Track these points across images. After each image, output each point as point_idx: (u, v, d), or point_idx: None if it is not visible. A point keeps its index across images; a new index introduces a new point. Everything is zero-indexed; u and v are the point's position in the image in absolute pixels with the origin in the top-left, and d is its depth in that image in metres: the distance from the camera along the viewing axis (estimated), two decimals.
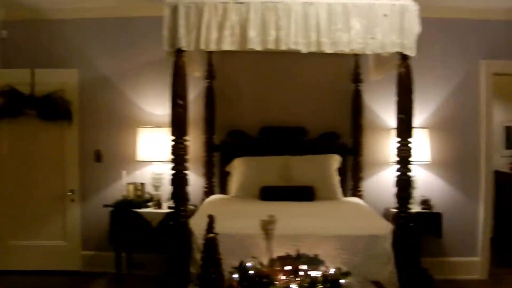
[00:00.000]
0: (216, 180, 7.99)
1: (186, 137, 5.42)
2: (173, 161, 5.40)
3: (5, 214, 8.06)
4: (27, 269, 7.98)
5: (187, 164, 5.45)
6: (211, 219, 5.02)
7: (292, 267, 4.76)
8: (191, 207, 6.71)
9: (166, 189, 7.24)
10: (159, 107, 7.89)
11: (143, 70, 8.03)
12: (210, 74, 7.91)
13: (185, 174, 5.42)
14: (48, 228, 8.08)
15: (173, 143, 5.40)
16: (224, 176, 7.86)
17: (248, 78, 8.05)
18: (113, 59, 8.07)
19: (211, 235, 4.99)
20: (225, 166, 7.85)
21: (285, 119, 7.93)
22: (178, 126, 5.39)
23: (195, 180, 7.52)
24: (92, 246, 8.12)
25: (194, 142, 7.22)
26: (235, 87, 8.06)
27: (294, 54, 5.55)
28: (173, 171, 5.40)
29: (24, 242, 8.07)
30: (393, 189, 5.46)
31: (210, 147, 7.89)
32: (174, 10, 5.29)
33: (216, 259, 4.97)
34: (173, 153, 5.40)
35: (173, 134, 5.40)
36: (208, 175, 7.91)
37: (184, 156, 5.41)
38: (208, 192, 7.85)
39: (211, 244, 4.98)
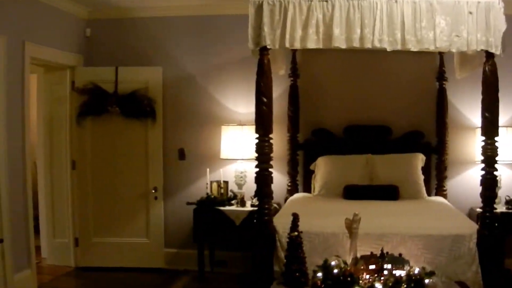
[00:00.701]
0: (300, 179, 8.05)
1: (271, 135, 5.52)
2: (257, 159, 5.51)
3: (89, 212, 8.32)
4: (110, 266, 8.22)
5: (272, 162, 5.55)
6: (295, 217, 5.10)
7: (376, 266, 4.79)
8: (275, 205, 6.83)
9: (249, 187, 7.42)
10: (242, 105, 8.05)
11: (227, 68, 8.18)
12: (294, 72, 7.97)
13: (270, 172, 5.52)
14: (132, 225, 8.31)
15: (257, 141, 5.50)
16: (308, 175, 7.93)
17: (332, 76, 8.08)
18: (197, 57, 8.26)
19: (296, 233, 5.08)
20: (309, 165, 7.92)
21: (369, 118, 7.93)
22: (263, 124, 5.49)
23: (278, 178, 7.55)
24: (175, 243, 8.33)
25: (278, 140, 7.25)
26: (319, 85, 8.10)
27: (378, 52, 5.59)
28: (258, 169, 5.50)
29: (107, 239, 8.31)
30: (478, 189, 5.45)
31: (294, 145, 7.97)
32: (259, 8, 5.38)
33: (300, 257, 5.07)
34: (258, 151, 5.51)
35: (257, 132, 5.50)
36: (292, 173, 7.99)
37: (269, 154, 5.50)
38: (292, 190, 7.93)
39: (296, 242, 5.07)
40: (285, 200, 7.65)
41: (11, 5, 6.88)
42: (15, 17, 6.95)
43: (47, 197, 8.55)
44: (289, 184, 7.98)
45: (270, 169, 5.53)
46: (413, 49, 5.33)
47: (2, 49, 6.67)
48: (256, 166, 5.52)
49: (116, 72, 8.10)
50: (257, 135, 5.52)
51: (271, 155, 5.56)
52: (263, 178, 5.52)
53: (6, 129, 6.78)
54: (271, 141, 5.53)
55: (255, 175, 5.59)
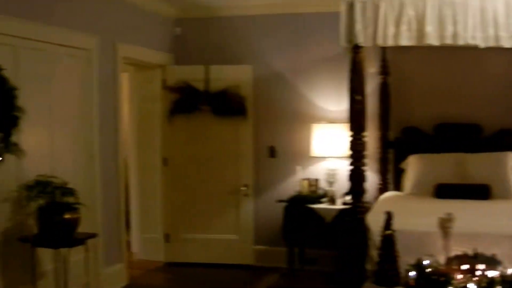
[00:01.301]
0: (390, 177, 8.04)
1: (364, 133, 5.55)
2: (351, 157, 5.53)
3: (179, 208, 8.54)
4: (199, 261, 8.43)
5: (364, 160, 5.58)
6: (389, 216, 5.10)
7: (470, 267, 4.76)
8: (366, 203, 6.89)
9: (340, 185, 7.52)
10: (332, 102, 8.10)
11: (316, 65, 8.22)
12: (385, 70, 7.95)
13: (363, 170, 5.55)
14: (222, 222, 8.47)
15: (351, 138, 5.53)
16: (398, 173, 7.91)
17: (422, 73, 8.02)
18: (286, 55, 8.34)
19: (389, 231, 5.09)
20: (400, 163, 7.90)
21: (460, 115, 7.82)
22: (356, 122, 5.53)
23: (369, 177, 7.45)
24: (264, 240, 8.45)
25: (369, 138, 7.15)
26: (410, 82, 8.06)
27: (470, 49, 5.55)
28: (351, 167, 5.53)
29: (197, 235, 8.49)
30: None
31: (384, 143, 7.97)
32: (351, 6, 5.40)
33: (393, 256, 5.07)
34: (351, 149, 5.53)
35: (351, 130, 5.53)
36: (383, 171, 8.01)
37: (362, 152, 5.53)
38: (382, 189, 7.93)
39: (389, 241, 5.08)
40: (375, 198, 7.62)
41: (103, 7, 7.13)
42: (106, 18, 7.20)
43: (138, 193, 8.82)
44: (380, 182, 8.00)
45: (363, 167, 5.55)
46: (506, 45, 5.25)
47: (95, 49, 6.92)
48: (350, 164, 5.54)
49: (206, 71, 8.27)
50: (350, 133, 5.54)
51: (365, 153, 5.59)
52: (357, 176, 5.54)
53: (99, 127, 7.04)
54: (363, 139, 5.56)
55: (346, 172, 5.63)
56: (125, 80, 8.42)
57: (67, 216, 5.54)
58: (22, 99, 5.35)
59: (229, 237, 8.47)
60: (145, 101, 8.67)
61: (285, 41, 8.38)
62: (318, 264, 8.08)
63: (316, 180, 7.96)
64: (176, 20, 8.73)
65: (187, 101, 8.28)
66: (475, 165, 7.40)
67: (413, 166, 7.67)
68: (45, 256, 6.01)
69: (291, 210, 7.75)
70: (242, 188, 8.37)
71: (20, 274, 5.79)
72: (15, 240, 5.66)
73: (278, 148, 8.42)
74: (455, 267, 4.83)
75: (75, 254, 5.93)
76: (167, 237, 8.61)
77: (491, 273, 4.72)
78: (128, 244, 8.34)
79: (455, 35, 5.26)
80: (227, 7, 8.40)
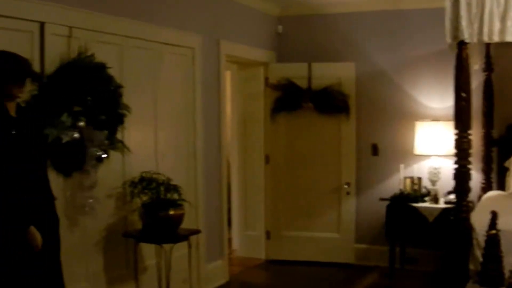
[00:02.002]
0: (494, 176, 7.83)
1: (469, 131, 5.39)
2: (456, 155, 5.38)
3: (280, 205, 8.51)
4: (300, 259, 8.37)
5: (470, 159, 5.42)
6: (494, 215, 4.94)
7: None
8: (469, 203, 6.70)
9: (443, 183, 7.34)
10: (436, 100, 7.92)
11: (420, 62, 8.05)
12: (489, 66, 7.74)
13: (468, 169, 5.39)
14: (323, 220, 8.40)
15: (456, 137, 5.38)
16: (502, 172, 7.70)
17: None
18: (389, 52, 8.20)
19: (494, 231, 4.95)
20: (504, 162, 7.69)
21: None
22: (462, 119, 5.38)
23: (472, 175, 7.33)
24: (365, 239, 8.36)
25: (472, 136, 7.06)
26: None
27: None
28: (456, 166, 5.37)
29: (298, 233, 8.46)
30: None
31: (488, 141, 7.76)
32: (455, 1, 5.25)
33: (498, 256, 4.90)
34: (457, 147, 5.38)
35: (456, 128, 5.39)
36: (486, 170, 7.79)
37: (468, 151, 5.38)
38: (486, 188, 7.72)
39: (494, 241, 4.89)
40: (479, 198, 7.45)
41: (206, 5, 7.17)
42: (210, 16, 7.24)
43: (240, 190, 8.85)
44: (483, 181, 7.79)
45: (469, 166, 5.40)
46: None
47: (199, 47, 6.97)
48: (455, 163, 5.39)
49: (309, 68, 8.23)
50: (455, 131, 5.40)
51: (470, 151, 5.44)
52: (462, 175, 5.39)
53: (202, 125, 7.09)
54: (469, 137, 5.41)
55: (449, 171, 5.51)
56: (227, 78, 8.44)
57: (171, 212, 5.58)
58: (127, 97, 5.43)
59: (330, 235, 8.40)
60: (248, 99, 8.70)
61: (388, 38, 8.25)
62: (419, 263, 7.97)
63: (419, 178, 7.81)
64: (278, 18, 8.72)
65: (289, 98, 8.27)
66: None
67: None
68: (148, 251, 6.10)
69: (393, 209, 7.63)
70: (344, 186, 8.30)
71: (123, 269, 5.90)
72: (119, 236, 5.75)
73: (381, 146, 8.30)
74: None
75: (177, 250, 5.96)
76: (268, 235, 8.61)
77: None
78: (229, 241, 8.33)
79: None
80: (329, 4, 8.32)
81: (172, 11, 6.59)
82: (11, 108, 4.15)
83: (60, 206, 4.58)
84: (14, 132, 4.05)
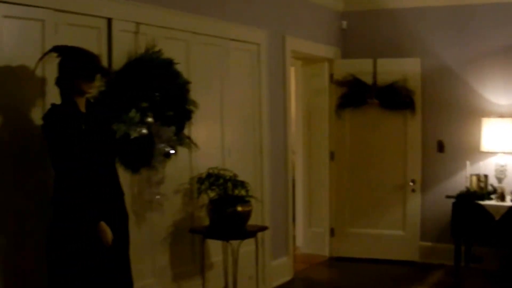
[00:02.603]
0: None
1: None
2: None
3: (345, 202, 8.41)
4: (364, 256, 8.30)
5: None
6: None
7: None
8: None
9: (510, 181, 7.28)
10: (503, 96, 7.76)
11: (486, 58, 7.88)
12: None
13: None
14: (387, 217, 8.27)
15: None
16: None
17: None
18: (455, 48, 8.03)
19: None
20: None
21: None
22: None
23: None
24: (430, 237, 8.19)
25: None
26: None
27: None
28: None
29: (362, 230, 8.35)
30: None
31: None
32: None
33: None
34: None
35: None
36: None
37: None
38: None
39: None
40: None
41: (272, 1, 7.14)
42: (275, 12, 7.21)
43: (304, 187, 8.78)
44: None
45: None
46: None
47: (264, 43, 6.94)
48: None
49: (374, 64, 8.14)
50: None
51: None
52: None
53: (269, 121, 7.06)
54: None
55: None
56: (292, 74, 8.37)
57: (239, 208, 5.54)
58: (194, 93, 5.39)
59: (395, 233, 8.27)
60: (312, 95, 8.63)
61: (454, 33, 8.08)
62: (484, 262, 7.81)
63: (485, 176, 7.61)
64: (342, 14, 8.64)
65: (354, 95, 8.20)
66: None
67: None
68: (215, 247, 6.07)
69: (459, 206, 7.47)
70: (410, 183, 8.16)
71: (189, 265, 5.90)
72: (186, 232, 5.74)
73: (446, 143, 8.13)
74: None
75: (243, 246, 5.92)
76: (332, 231, 8.52)
77: None
78: (293, 238, 8.25)
79: None
80: None
81: (239, 7, 6.58)
82: (81, 103, 4.17)
83: (127, 202, 4.57)
84: (84, 127, 4.06)
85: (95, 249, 3.99)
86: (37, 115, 4.28)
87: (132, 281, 4.44)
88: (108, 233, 4.01)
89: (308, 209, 8.75)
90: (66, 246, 3.95)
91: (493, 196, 7.37)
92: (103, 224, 3.99)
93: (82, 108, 4.15)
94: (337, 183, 8.46)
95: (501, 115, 7.59)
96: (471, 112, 7.95)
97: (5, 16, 4.18)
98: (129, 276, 4.41)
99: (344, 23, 8.61)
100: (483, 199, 7.32)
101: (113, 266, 4.17)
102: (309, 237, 8.77)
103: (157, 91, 5.13)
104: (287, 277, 7.46)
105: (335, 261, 8.39)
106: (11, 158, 4.21)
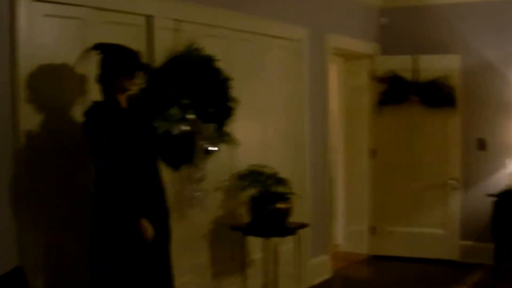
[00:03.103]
0: None
1: None
2: None
3: (385, 200, 8.32)
4: (403, 255, 8.19)
5: None
6: None
7: None
8: None
9: None
10: None
11: None
12: None
13: None
14: (428, 215, 8.17)
15: None
16: None
17: None
18: (497, 44, 7.91)
19: None
20: None
21: None
22: None
23: None
24: (471, 236, 8.07)
25: None
26: None
27: None
28: None
29: (403, 229, 8.25)
30: None
31: None
32: None
33: None
34: None
35: None
36: None
37: None
38: None
39: None
40: None
41: None
42: (316, 9, 7.17)
43: (344, 184, 8.74)
44: None
45: None
46: None
47: (305, 40, 6.91)
48: None
49: (414, 61, 8.05)
50: None
51: None
52: None
53: (309, 117, 7.02)
54: None
55: None
56: (333, 71, 8.33)
57: (279, 205, 5.50)
58: (235, 90, 5.34)
59: (435, 231, 8.17)
60: (353, 92, 8.58)
61: (495, 29, 7.95)
62: None
63: None
64: (382, 10, 8.55)
65: (395, 91, 8.12)
66: None
67: None
68: (255, 245, 6.03)
69: (501, 205, 7.39)
70: (450, 182, 8.05)
71: (229, 262, 5.87)
72: (226, 229, 5.71)
73: (488, 141, 8.00)
74: None
75: (283, 244, 5.90)
76: (372, 230, 8.44)
77: None
78: (333, 235, 8.21)
79: None
80: None
81: (279, 5, 6.55)
82: (122, 100, 4.17)
83: (169, 198, 4.53)
84: (125, 124, 4.04)
85: (136, 246, 3.97)
86: (78, 113, 4.29)
87: (173, 277, 4.42)
88: (150, 230, 3.99)
89: (348, 207, 8.70)
90: (108, 243, 3.95)
91: None
92: (144, 221, 3.98)
93: (123, 105, 4.15)
94: (377, 181, 8.38)
95: None
96: None
97: (46, 15, 4.21)
98: (170, 273, 4.39)
99: (384, 19, 8.52)
100: None
101: (154, 262, 4.17)
102: (349, 235, 8.72)
103: (198, 88, 5.10)
104: (326, 275, 7.40)
105: (375, 260, 8.32)
106: (53, 156, 4.23)
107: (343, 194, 8.74)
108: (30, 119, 4.10)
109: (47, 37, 4.21)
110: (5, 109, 3.99)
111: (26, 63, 4.07)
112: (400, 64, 8.10)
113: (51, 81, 4.22)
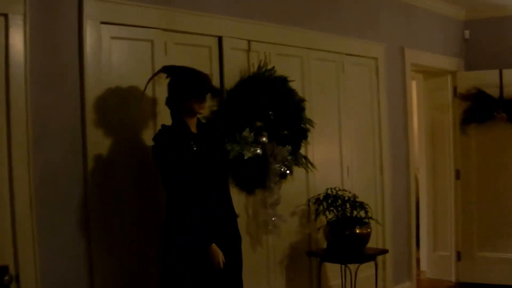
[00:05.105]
0: None
1: None
2: None
3: (473, 224, 8.11)
4: (493, 282, 7.95)
5: None
6: None
7: None
8: None
9: None
10: None
11: None
12: None
13: None
14: None
15: None
16: None
17: None
18: None
19: None
20: None
21: None
22: None
23: None
24: None
25: None
26: None
27: None
28: None
29: (492, 254, 8.00)
30: None
31: None
32: None
33: None
34: None
35: None
36: None
37: None
38: None
39: None
40: None
41: (389, 13, 7.05)
42: (392, 24, 7.12)
43: (429, 207, 8.53)
44: None
45: None
46: None
47: (382, 56, 6.85)
48: None
49: (500, 75, 7.85)
50: None
51: None
52: None
53: (389, 138, 6.95)
54: None
55: None
56: (413, 88, 8.26)
57: (358, 230, 5.46)
58: (310, 111, 5.36)
59: None
60: (435, 110, 8.39)
61: None
62: None
63: None
64: (465, 23, 8.40)
65: (480, 109, 7.91)
66: None
67: None
68: (333, 271, 6.00)
69: None
70: None
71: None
72: (303, 254, 5.71)
73: None
74: None
75: (363, 271, 5.82)
76: (458, 255, 8.24)
77: None
78: (417, 261, 8.09)
79: None
80: None
81: (354, 21, 6.53)
82: (192, 124, 4.21)
83: (242, 223, 4.59)
84: (195, 148, 4.07)
85: (207, 272, 4.00)
86: (149, 136, 4.38)
87: None
88: (220, 256, 4.01)
89: (433, 231, 8.47)
90: (178, 268, 4.00)
91: None
92: (214, 246, 4.00)
93: (193, 129, 4.20)
94: (463, 203, 8.17)
95: None
96: None
97: (113, 38, 4.31)
98: None
99: (467, 33, 8.37)
100: None
101: None
102: (434, 261, 8.49)
103: (272, 110, 5.14)
104: None
105: (462, 287, 8.10)
106: (125, 179, 4.31)
107: (428, 217, 8.52)
108: (99, 143, 4.19)
109: (115, 59, 4.31)
110: (76, 134, 4.10)
111: (94, 87, 4.18)
112: (485, 79, 7.91)
113: (121, 104, 4.32)
